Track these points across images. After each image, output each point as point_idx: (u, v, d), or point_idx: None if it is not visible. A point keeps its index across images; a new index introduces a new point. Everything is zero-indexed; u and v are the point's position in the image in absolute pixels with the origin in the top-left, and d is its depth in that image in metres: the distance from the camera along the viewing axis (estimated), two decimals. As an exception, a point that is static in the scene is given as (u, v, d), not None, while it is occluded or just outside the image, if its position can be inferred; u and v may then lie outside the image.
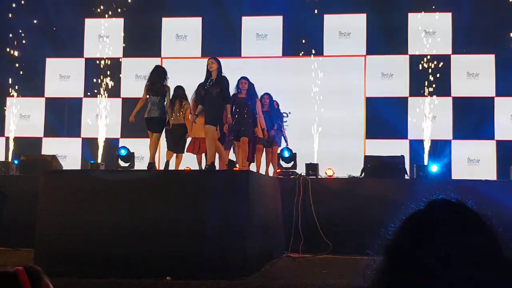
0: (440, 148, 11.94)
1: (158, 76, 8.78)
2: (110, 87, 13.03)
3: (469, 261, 1.10)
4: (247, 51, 13.18)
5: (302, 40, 12.78)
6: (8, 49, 13.38)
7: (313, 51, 12.62)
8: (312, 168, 9.62)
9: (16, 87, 13.38)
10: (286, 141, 10.56)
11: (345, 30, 12.96)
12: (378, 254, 1.20)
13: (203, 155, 9.55)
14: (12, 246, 8.48)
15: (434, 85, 12.13)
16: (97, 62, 13.30)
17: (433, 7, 12.32)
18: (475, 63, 12.47)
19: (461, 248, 1.11)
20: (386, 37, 12.61)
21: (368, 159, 9.54)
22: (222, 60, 8.55)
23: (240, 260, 6.64)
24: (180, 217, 6.79)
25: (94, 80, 13.18)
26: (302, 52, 12.75)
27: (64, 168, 10.43)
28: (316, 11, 12.72)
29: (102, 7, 13.11)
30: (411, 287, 1.12)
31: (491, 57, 12.40)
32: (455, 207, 1.20)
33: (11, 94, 13.39)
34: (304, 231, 8.56)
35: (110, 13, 13.23)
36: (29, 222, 7.49)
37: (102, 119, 12.65)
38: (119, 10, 13.21)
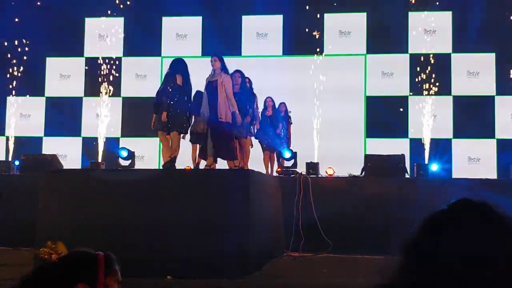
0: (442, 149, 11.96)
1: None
2: (110, 86, 13.03)
3: (492, 262, 1.09)
4: (247, 50, 13.19)
5: (302, 39, 12.79)
6: (8, 49, 13.37)
7: (314, 50, 12.63)
8: (312, 167, 9.62)
9: (16, 86, 13.38)
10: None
11: (345, 29, 12.96)
12: (396, 253, 1.20)
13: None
14: (12, 245, 8.47)
15: (434, 84, 12.13)
16: (98, 61, 13.30)
17: (436, 4, 12.30)
18: (475, 61, 12.47)
19: (483, 249, 1.10)
20: (386, 36, 12.61)
21: (368, 158, 9.53)
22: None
23: (241, 259, 6.64)
24: (181, 216, 6.78)
25: (94, 80, 13.18)
26: (303, 51, 12.77)
27: (64, 168, 10.43)
28: (316, 10, 12.72)
29: (102, 6, 13.11)
30: (429, 287, 1.11)
31: (492, 56, 12.40)
32: (479, 208, 1.19)
33: (12, 94, 13.40)
34: (305, 230, 8.55)
35: (110, 12, 13.22)
36: (29, 222, 7.48)
37: (102, 118, 12.65)
38: (120, 9, 13.19)
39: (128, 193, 7.01)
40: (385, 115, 12.28)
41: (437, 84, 12.16)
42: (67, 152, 13.05)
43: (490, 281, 1.07)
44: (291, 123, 10.96)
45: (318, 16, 12.81)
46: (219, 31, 13.01)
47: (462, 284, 1.08)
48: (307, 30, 12.70)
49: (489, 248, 1.10)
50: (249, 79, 9.43)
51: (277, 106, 10.73)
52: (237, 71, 8.95)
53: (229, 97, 8.07)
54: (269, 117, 10.49)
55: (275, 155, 10.57)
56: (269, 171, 10.40)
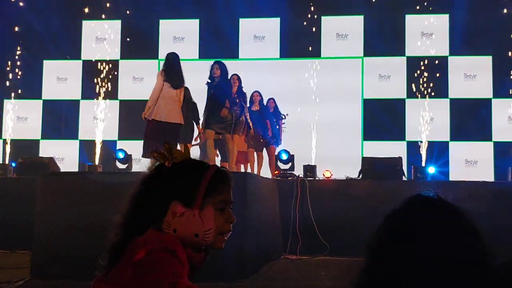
0: (438, 151, 11.97)
1: None
2: (107, 89, 13.03)
3: (450, 258, 1.08)
4: (244, 53, 13.20)
5: (300, 42, 12.82)
6: (5, 51, 13.35)
7: (311, 52, 12.65)
8: (309, 169, 9.61)
9: (14, 89, 13.36)
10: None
11: (343, 32, 12.98)
12: (361, 253, 1.20)
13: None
14: (9, 248, 8.45)
15: (431, 87, 12.15)
16: (95, 64, 13.30)
17: (430, 8, 12.36)
18: (472, 64, 12.50)
19: (441, 245, 1.10)
20: (383, 39, 12.63)
21: (365, 161, 9.54)
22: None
23: (238, 262, 6.63)
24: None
25: (92, 82, 13.18)
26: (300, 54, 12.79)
27: (61, 170, 10.41)
28: (313, 13, 12.75)
29: (99, 9, 13.11)
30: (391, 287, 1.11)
31: (488, 59, 12.43)
32: (435, 203, 1.19)
33: (9, 97, 13.38)
34: (302, 233, 8.55)
35: (107, 15, 13.22)
36: (26, 224, 7.46)
37: (99, 121, 12.64)
38: (116, 12, 13.20)
39: (125, 196, 6.98)
40: (382, 118, 12.30)
41: (434, 86, 12.18)
42: (64, 155, 13.04)
43: (448, 276, 1.07)
44: (283, 118, 10.64)
45: (316, 19, 12.83)
46: (217, 34, 13.02)
47: (422, 281, 1.08)
48: (304, 32, 12.73)
49: (445, 243, 1.10)
50: (238, 76, 9.17)
51: (265, 102, 10.38)
52: (216, 62, 8.59)
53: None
54: (255, 113, 10.01)
55: (263, 153, 10.24)
56: (257, 170, 10.05)
